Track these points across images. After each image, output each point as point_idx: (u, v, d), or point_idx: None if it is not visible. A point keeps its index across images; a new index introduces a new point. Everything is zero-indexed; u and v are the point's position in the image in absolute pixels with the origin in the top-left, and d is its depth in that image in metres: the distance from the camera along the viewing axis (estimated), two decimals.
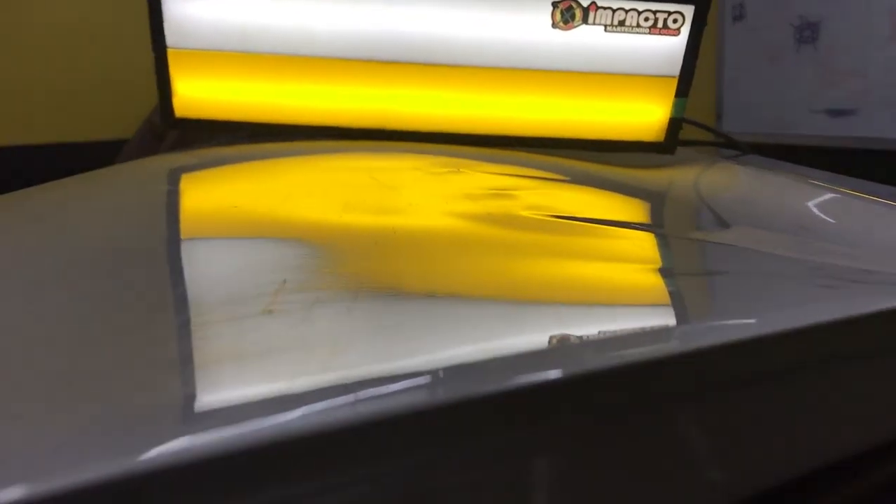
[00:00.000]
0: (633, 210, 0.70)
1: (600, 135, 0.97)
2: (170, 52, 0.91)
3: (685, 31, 0.92)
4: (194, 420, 0.24)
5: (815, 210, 0.69)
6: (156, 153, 1.09)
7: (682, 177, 0.88)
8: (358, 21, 0.90)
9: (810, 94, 1.82)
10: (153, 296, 0.36)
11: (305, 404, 0.24)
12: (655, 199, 0.76)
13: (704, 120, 2.02)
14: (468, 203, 0.56)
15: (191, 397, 0.25)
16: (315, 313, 0.31)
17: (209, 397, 0.26)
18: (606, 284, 0.42)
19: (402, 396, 0.25)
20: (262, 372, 0.27)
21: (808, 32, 1.82)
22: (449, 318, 0.34)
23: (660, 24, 0.91)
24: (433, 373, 0.27)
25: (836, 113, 1.77)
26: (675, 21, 0.91)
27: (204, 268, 0.40)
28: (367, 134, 0.95)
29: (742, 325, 0.36)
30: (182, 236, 0.47)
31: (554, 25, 0.90)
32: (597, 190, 0.77)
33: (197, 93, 0.94)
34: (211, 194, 0.65)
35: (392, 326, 0.32)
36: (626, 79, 0.94)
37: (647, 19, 0.91)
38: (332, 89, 0.94)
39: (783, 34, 1.87)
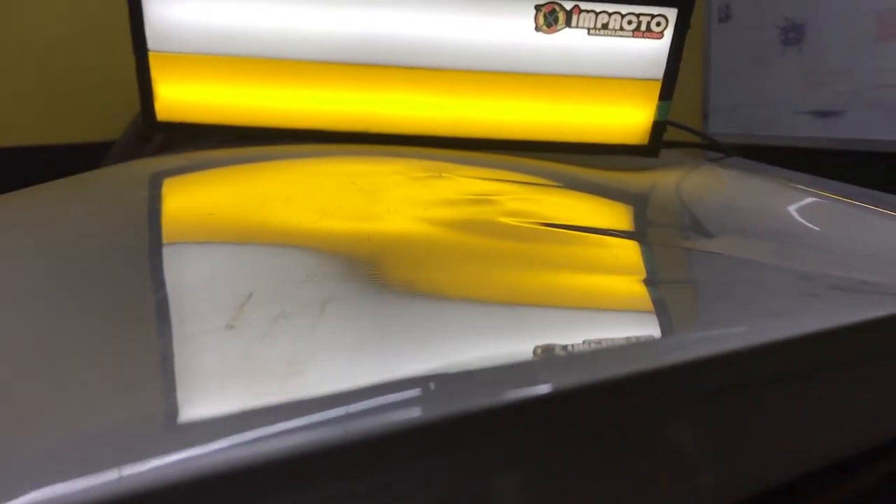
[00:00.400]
0: (616, 216, 0.70)
1: (584, 138, 0.97)
2: (151, 55, 0.91)
3: (668, 34, 0.92)
4: (130, 448, 0.23)
5: (799, 217, 0.69)
6: (141, 155, 1.08)
7: (666, 181, 0.88)
8: (341, 24, 0.90)
9: (796, 96, 1.82)
10: (116, 308, 0.35)
11: (242, 431, 0.23)
12: (639, 205, 0.76)
13: (690, 120, 2.03)
14: (447, 209, 0.55)
15: (134, 422, 0.24)
16: (277, 328, 0.30)
17: (151, 423, 0.25)
18: (588, 294, 0.42)
19: (352, 421, 0.24)
20: (209, 396, 0.26)
21: (793, 34, 1.82)
22: (418, 332, 0.34)
23: (643, 28, 0.91)
24: (391, 394, 0.26)
25: (823, 114, 1.77)
26: (658, 24, 0.91)
27: (173, 279, 0.40)
28: (351, 137, 0.94)
29: (727, 337, 0.36)
30: (154, 246, 0.47)
31: (537, 29, 0.90)
32: (580, 194, 0.76)
33: (179, 96, 0.94)
34: (188, 201, 0.64)
35: (354, 344, 0.31)
36: (610, 82, 0.94)
37: (630, 22, 0.91)
38: (316, 93, 0.94)
39: (769, 35, 1.88)
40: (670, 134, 1.04)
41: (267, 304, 0.33)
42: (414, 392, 0.26)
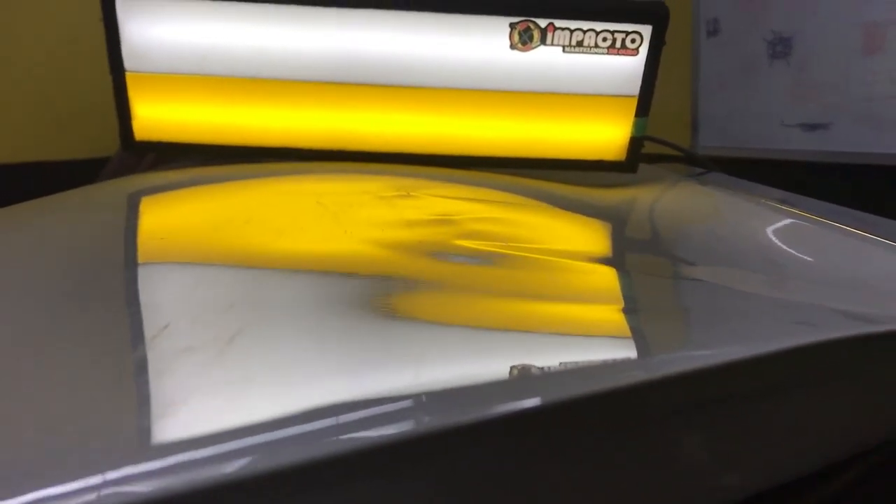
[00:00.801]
0: (585, 238, 0.69)
1: (561, 154, 0.97)
2: (128, 75, 0.91)
3: (643, 50, 0.92)
4: None
5: (778, 240, 0.67)
6: (135, 171, 1.09)
7: (642, 200, 0.88)
8: (317, 43, 0.90)
9: (784, 109, 1.82)
10: (26, 338, 0.35)
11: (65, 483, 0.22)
12: (611, 227, 0.75)
13: (680, 134, 2.03)
14: (404, 231, 0.55)
15: None
16: (175, 364, 0.30)
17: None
18: (524, 320, 0.42)
19: (206, 468, 0.23)
20: (61, 441, 0.25)
21: (780, 47, 1.83)
22: (317, 366, 0.32)
23: (618, 45, 0.91)
24: (250, 437, 0.25)
25: (810, 127, 1.77)
26: (633, 41, 0.91)
27: (98, 308, 0.39)
28: (329, 155, 0.95)
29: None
30: (93, 273, 0.46)
31: (512, 47, 0.91)
32: (552, 214, 0.76)
33: (156, 115, 0.94)
34: (145, 224, 0.64)
35: (243, 381, 0.30)
36: (586, 99, 0.94)
37: (605, 39, 0.91)
38: (294, 111, 0.94)
39: (757, 49, 1.88)
40: (652, 148, 1.04)
41: (178, 337, 0.33)
42: (279, 434, 0.25)
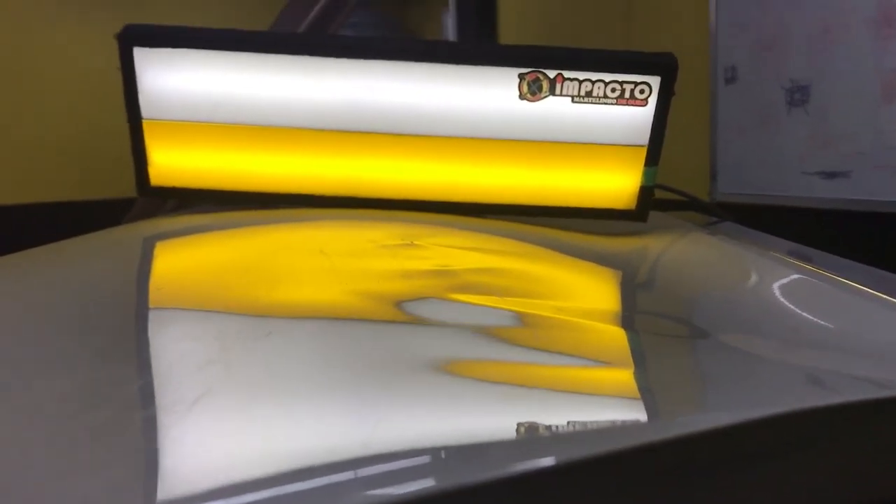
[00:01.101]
0: (586, 292, 0.68)
1: (572, 202, 0.98)
2: (145, 122, 0.93)
3: (652, 101, 0.92)
4: None
5: (792, 302, 0.64)
6: (160, 211, 1.11)
7: (652, 251, 0.87)
8: (329, 94, 0.92)
9: (802, 157, 1.81)
10: (26, 388, 0.35)
11: None
12: (618, 281, 0.74)
13: (699, 181, 2.02)
14: (400, 283, 0.55)
15: None
16: (135, 431, 0.30)
17: None
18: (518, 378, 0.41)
19: None
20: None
21: (798, 95, 1.82)
22: (265, 435, 0.31)
23: (627, 95, 0.92)
24: None
25: (830, 175, 1.76)
26: (641, 92, 0.92)
27: (80, 365, 0.39)
28: (341, 202, 0.96)
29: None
30: (84, 324, 0.46)
31: (521, 97, 0.91)
32: (557, 264, 0.76)
33: (171, 162, 0.96)
34: (147, 273, 0.65)
35: (187, 454, 0.29)
36: (596, 148, 0.95)
37: (613, 90, 0.92)
38: (306, 159, 0.96)
39: (775, 96, 1.88)
40: (664, 195, 1.04)
41: (146, 398, 0.33)
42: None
